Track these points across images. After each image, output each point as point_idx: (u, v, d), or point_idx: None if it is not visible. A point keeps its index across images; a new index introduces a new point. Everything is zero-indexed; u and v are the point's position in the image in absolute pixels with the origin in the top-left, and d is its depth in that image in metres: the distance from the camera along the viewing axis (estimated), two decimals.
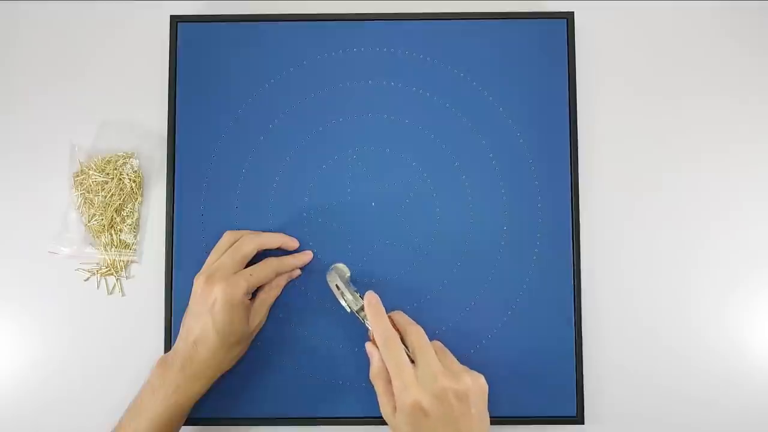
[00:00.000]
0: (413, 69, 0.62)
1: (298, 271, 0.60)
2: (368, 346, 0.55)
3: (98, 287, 0.63)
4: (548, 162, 0.62)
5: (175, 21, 0.63)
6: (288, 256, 0.59)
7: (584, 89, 0.63)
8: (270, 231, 0.61)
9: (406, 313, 0.59)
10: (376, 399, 0.53)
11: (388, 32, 0.63)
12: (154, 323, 0.61)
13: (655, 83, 0.64)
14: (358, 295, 0.57)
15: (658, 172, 0.63)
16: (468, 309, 0.60)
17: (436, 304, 0.61)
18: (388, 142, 0.62)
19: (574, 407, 0.60)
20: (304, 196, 0.62)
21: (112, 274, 0.62)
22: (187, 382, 0.54)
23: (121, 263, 0.62)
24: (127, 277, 0.63)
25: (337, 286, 0.57)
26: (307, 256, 0.60)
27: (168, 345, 0.60)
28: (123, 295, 0.63)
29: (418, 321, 0.60)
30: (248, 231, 0.59)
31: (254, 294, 0.58)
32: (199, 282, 0.55)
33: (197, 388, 0.54)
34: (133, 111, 0.64)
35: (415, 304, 0.61)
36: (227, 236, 0.58)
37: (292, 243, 0.60)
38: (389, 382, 0.51)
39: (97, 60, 0.65)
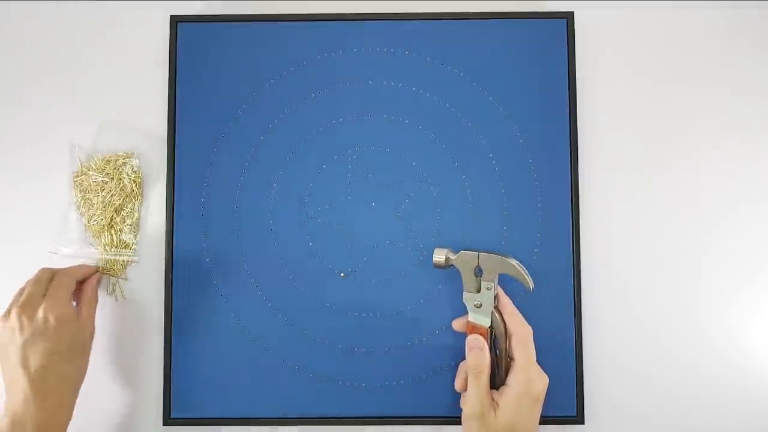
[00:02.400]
0: (413, 69, 0.62)
1: (99, 275, 0.61)
2: (476, 339, 0.55)
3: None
4: (548, 162, 0.62)
5: (175, 21, 0.63)
6: (76, 266, 0.60)
7: (584, 89, 0.63)
8: (272, 232, 0.61)
9: (406, 313, 0.59)
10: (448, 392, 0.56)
11: (388, 32, 0.63)
12: (154, 323, 0.61)
13: (655, 83, 0.64)
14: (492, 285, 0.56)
15: (658, 172, 0.63)
16: None
17: (436, 304, 0.61)
18: (388, 142, 0.62)
19: (574, 407, 0.60)
20: (304, 196, 0.62)
21: (112, 274, 0.62)
22: (51, 416, 0.52)
23: (121, 263, 0.62)
24: (126, 278, 0.63)
25: (517, 265, 0.55)
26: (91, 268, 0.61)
27: (168, 345, 0.60)
28: (123, 295, 0.63)
29: (419, 320, 0.61)
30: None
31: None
32: (10, 317, 0.54)
33: (63, 416, 0.54)
34: (133, 111, 0.64)
35: (415, 304, 0.61)
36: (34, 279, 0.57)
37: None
38: (489, 376, 0.54)
39: (98, 60, 0.65)
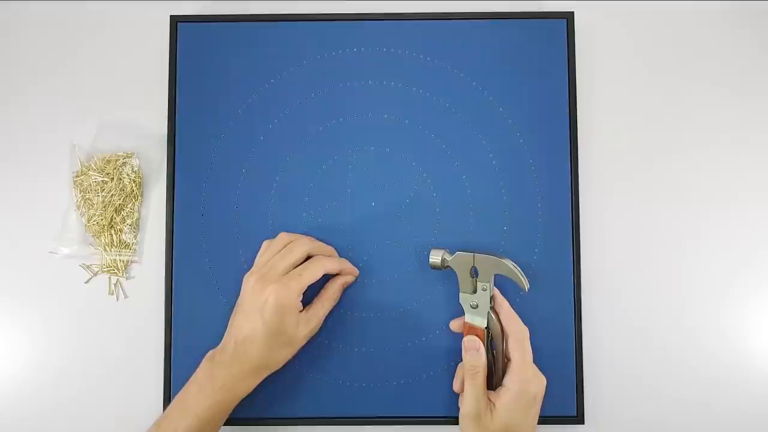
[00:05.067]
0: (413, 69, 0.62)
1: (351, 278, 0.60)
2: (472, 341, 0.55)
3: (99, 287, 0.63)
4: (548, 162, 0.62)
5: (175, 21, 0.63)
6: (336, 258, 0.59)
7: (584, 89, 0.63)
8: (272, 233, 0.61)
9: (406, 313, 0.58)
10: (450, 393, 0.57)
11: (388, 32, 0.63)
12: (155, 323, 0.61)
13: (655, 83, 0.64)
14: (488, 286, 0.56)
15: (658, 172, 0.63)
16: None
17: (437, 305, 0.61)
18: (388, 142, 0.62)
19: (574, 407, 0.60)
20: (304, 196, 0.62)
21: (112, 274, 0.62)
22: (233, 380, 0.54)
23: (121, 263, 0.62)
24: (127, 278, 0.63)
25: (512, 266, 0.55)
26: (354, 270, 0.60)
27: (168, 345, 0.60)
28: (124, 295, 0.63)
29: (418, 321, 0.61)
30: (301, 235, 0.59)
31: (309, 299, 0.57)
32: (250, 281, 0.55)
33: (243, 387, 0.54)
34: (133, 111, 0.64)
35: (415, 304, 0.61)
36: (282, 238, 0.58)
37: (349, 268, 0.60)
38: (486, 376, 0.55)
39: (98, 60, 0.65)
